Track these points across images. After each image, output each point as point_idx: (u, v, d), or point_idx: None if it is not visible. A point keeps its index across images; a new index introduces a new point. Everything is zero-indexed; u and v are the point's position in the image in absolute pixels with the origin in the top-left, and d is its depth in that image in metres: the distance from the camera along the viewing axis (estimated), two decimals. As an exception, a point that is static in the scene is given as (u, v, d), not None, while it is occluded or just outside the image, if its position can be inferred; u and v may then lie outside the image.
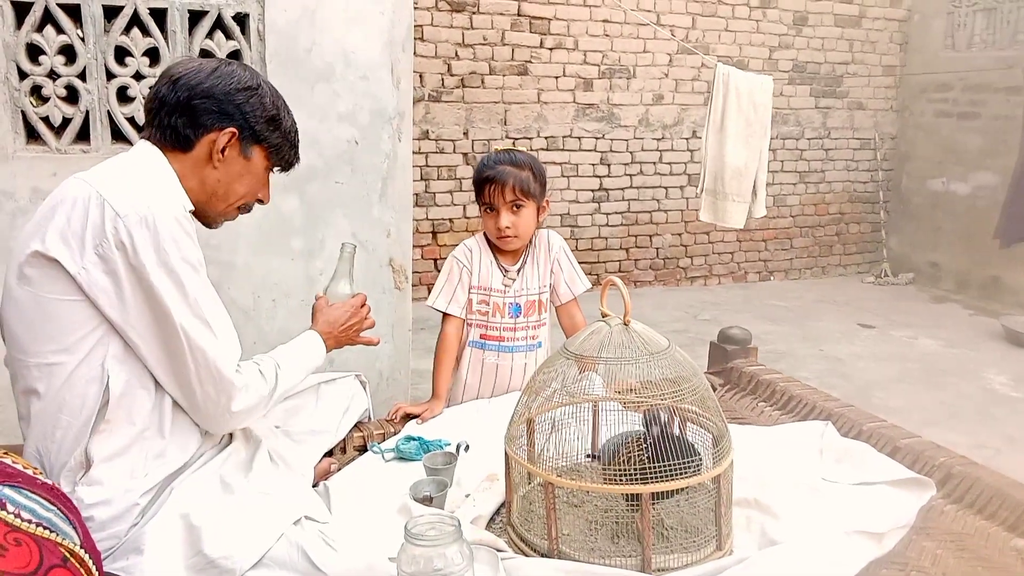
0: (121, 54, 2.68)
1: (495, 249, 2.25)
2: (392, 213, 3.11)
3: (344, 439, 1.93)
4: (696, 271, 6.86)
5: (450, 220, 5.83)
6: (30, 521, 1.15)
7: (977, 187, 6.53)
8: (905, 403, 4.35)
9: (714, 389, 2.31)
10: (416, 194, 5.66)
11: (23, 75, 2.58)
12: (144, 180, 1.42)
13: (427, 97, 5.59)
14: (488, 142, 5.78)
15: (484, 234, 2.30)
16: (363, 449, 1.91)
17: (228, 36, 2.79)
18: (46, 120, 2.63)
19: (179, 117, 1.47)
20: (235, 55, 2.81)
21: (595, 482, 1.42)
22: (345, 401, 1.94)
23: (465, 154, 5.78)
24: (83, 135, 2.71)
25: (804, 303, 6.49)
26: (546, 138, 5.98)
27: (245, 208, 1.64)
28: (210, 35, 2.76)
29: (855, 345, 5.40)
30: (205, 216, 1.57)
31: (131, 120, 2.73)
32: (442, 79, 5.61)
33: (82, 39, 2.62)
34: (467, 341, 2.24)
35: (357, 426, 1.98)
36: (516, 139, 5.88)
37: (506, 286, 2.23)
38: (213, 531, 1.30)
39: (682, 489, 1.40)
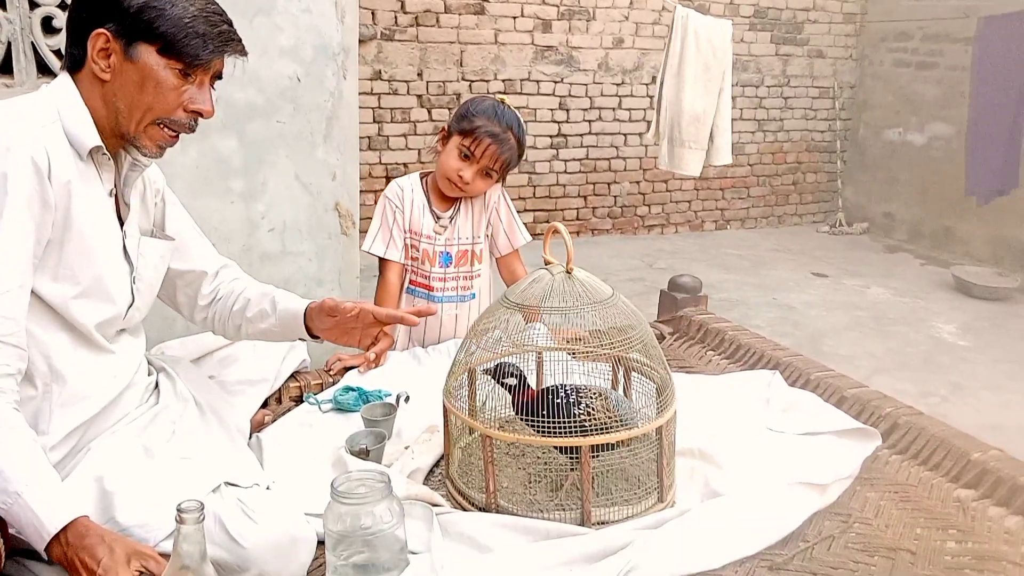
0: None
1: (431, 191, 2.17)
2: (337, 155, 2.99)
3: (280, 389, 1.85)
4: (654, 220, 6.83)
5: (404, 164, 5.69)
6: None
7: (933, 137, 6.55)
8: (855, 351, 4.39)
9: (663, 338, 2.27)
10: (368, 137, 5.51)
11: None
12: (10, 111, 1.28)
13: (379, 35, 5.41)
14: (444, 84, 5.63)
15: (420, 176, 2.21)
16: (300, 400, 1.85)
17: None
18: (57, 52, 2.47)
19: (68, 34, 1.34)
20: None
21: (533, 435, 1.37)
22: (283, 349, 1.86)
23: (419, 96, 5.62)
24: (6, 68, 2.54)
25: (759, 252, 6.50)
26: (503, 81, 5.84)
27: (179, 126, 1.38)
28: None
29: (808, 294, 5.44)
30: (129, 141, 1.38)
31: (57, 52, 2.56)
32: (395, 17, 5.42)
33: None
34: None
35: (294, 376, 1.91)
36: (473, 81, 5.73)
37: (437, 233, 2.15)
38: (127, 497, 1.22)
39: (623, 441, 1.35)
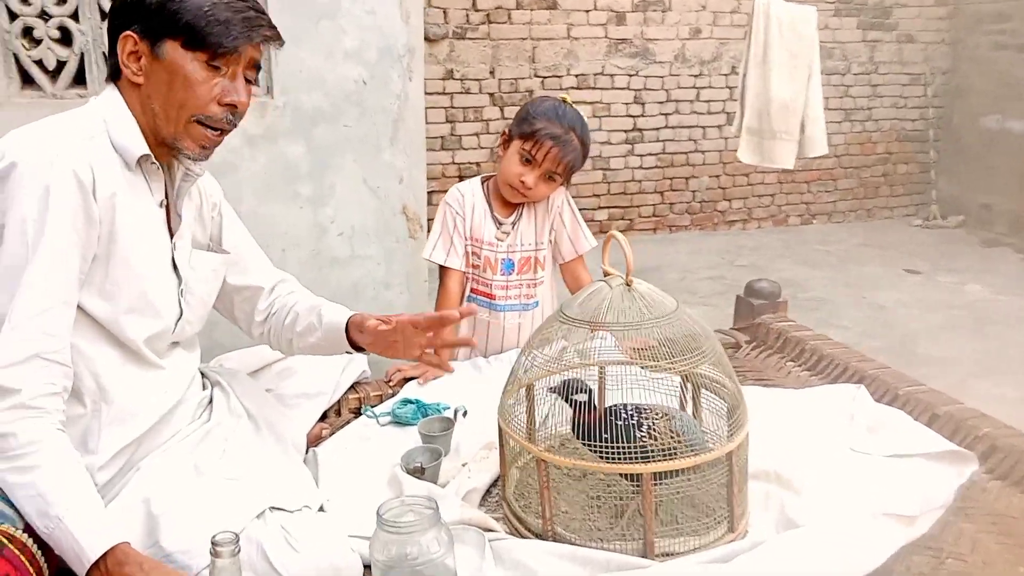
0: (108, -8, 2.54)
1: (492, 196, 2.10)
2: (404, 157, 2.96)
3: (339, 401, 1.82)
4: (735, 214, 6.62)
5: (477, 164, 5.66)
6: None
7: (1036, 124, 6.16)
8: (950, 353, 4.14)
9: (739, 347, 2.15)
10: (441, 137, 5.49)
11: (13, 16, 2.46)
12: (56, 125, 1.28)
13: (451, 34, 5.38)
14: (516, 81, 5.57)
15: (482, 180, 2.14)
16: (359, 412, 1.81)
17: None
18: (40, 64, 2.51)
19: (108, 44, 1.32)
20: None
21: (591, 460, 1.29)
22: (342, 361, 1.82)
23: (492, 94, 5.58)
24: (80, 79, 2.60)
25: (847, 247, 6.23)
26: (576, 76, 5.74)
27: (216, 122, 1.32)
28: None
29: (899, 292, 5.17)
30: (171, 146, 1.34)
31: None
32: (467, 15, 5.38)
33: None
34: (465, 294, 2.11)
35: (354, 387, 1.87)
36: (545, 77, 5.65)
37: (499, 240, 2.08)
38: (171, 522, 1.20)
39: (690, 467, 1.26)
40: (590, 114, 5.85)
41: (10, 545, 1.06)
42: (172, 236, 1.42)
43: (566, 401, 1.33)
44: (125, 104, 1.32)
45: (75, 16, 2.51)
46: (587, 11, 5.64)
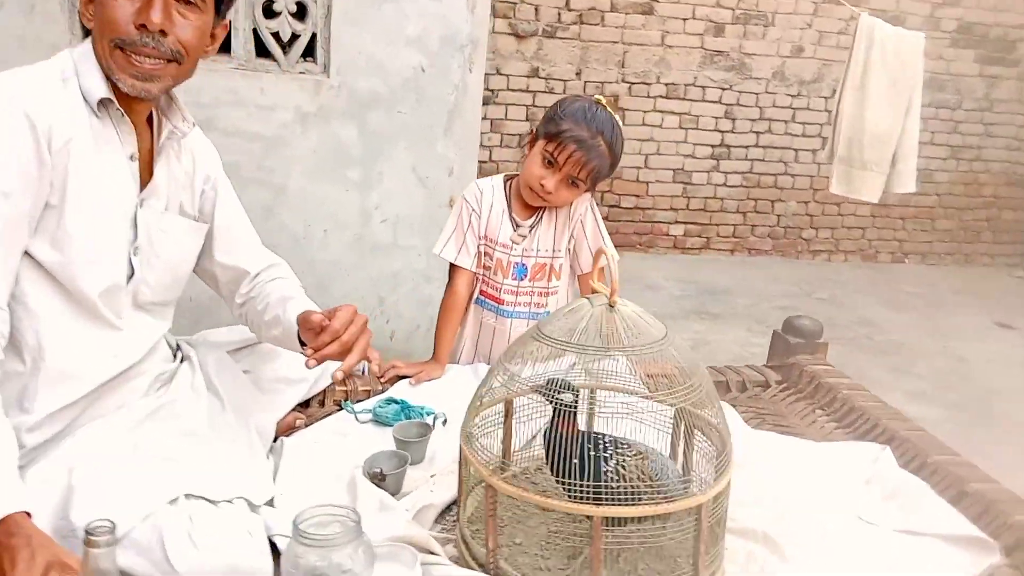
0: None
1: (514, 196, 1.99)
2: (457, 149, 2.90)
3: (324, 391, 1.75)
4: (820, 244, 6.32)
5: (554, 164, 5.55)
6: None
7: None
8: (1031, 420, 3.81)
9: (767, 386, 1.99)
10: (519, 135, 5.41)
11: None
12: (30, 70, 1.27)
13: (541, 32, 5.29)
14: (602, 84, 5.44)
15: (505, 179, 2.04)
16: (349, 403, 1.74)
17: (297, -53, 2.62)
18: (276, 36, 2.63)
19: None
20: (301, -35, 2.63)
21: (539, 493, 1.18)
22: (333, 347, 1.75)
23: (577, 96, 5.45)
24: (225, 48, 2.63)
25: (938, 292, 5.85)
26: (666, 84, 5.57)
27: (134, 46, 1.26)
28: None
29: (987, 345, 4.81)
30: (113, 82, 1.30)
31: (275, 35, 2.65)
32: (559, 13, 5.28)
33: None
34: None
35: (344, 379, 1.80)
36: (633, 83, 5.50)
37: (514, 242, 1.97)
38: (86, 496, 1.15)
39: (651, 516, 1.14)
40: (676, 124, 5.67)
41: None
42: (141, 192, 1.38)
43: (549, 400, 1.22)
44: (94, 52, 1.30)
45: None
46: (684, 19, 5.46)
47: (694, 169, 5.87)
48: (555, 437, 1.18)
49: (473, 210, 1.97)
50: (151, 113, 1.40)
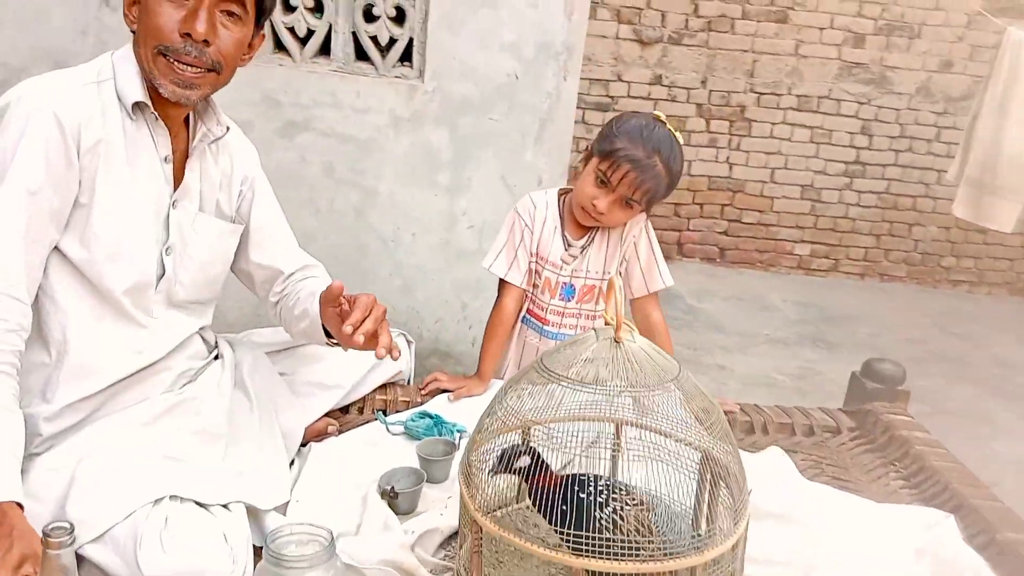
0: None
1: (567, 213, 1.92)
2: (546, 159, 2.85)
3: (364, 399, 1.75)
4: (962, 274, 5.84)
5: (672, 175, 5.40)
6: None
7: None
8: None
9: (838, 432, 1.83)
10: (639, 143, 5.28)
11: None
12: (67, 71, 1.32)
13: (666, 39, 5.14)
14: (728, 94, 5.23)
15: (559, 194, 1.96)
16: (383, 412, 1.73)
17: (399, -49, 2.63)
18: (292, 31, 2.66)
19: None
20: (402, -28, 2.65)
21: (520, 536, 1.11)
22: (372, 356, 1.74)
23: (699, 105, 5.28)
24: (326, 49, 2.71)
25: (1095, 336, 5.29)
26: (798, 96, 5.29)
27: (178, 54, 1.30)
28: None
29: None
30: (156, 88, 1.34)
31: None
32: (686, 20, 5.12)
33: (330, -50, 2.58)
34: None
35: (385, 387, 1.79)
36: (762, 94, 5.27)
37: (564, 262, 1.88)
38: (84, 489, 1.18)
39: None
40: (807, 139, 5.39)
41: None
42: (174, 193, 1.42)
43: (509, 472, 1.15)
44: (134, 56, 1.34)
45: None
46: (821, 29, 5.17)
47: (824, 186, 5.56)
48: (535, 489, 1.12)
49: (526, 225, 1.91)
50: (188, 115, 1.44)
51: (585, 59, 5.17)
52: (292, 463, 1.54)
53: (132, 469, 1.23)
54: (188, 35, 1.29)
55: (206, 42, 1.30)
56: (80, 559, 1.14)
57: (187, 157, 1.44)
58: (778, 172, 5.50)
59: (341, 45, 2.71)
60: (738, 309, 4.99)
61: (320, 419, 1.64)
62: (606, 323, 1.17)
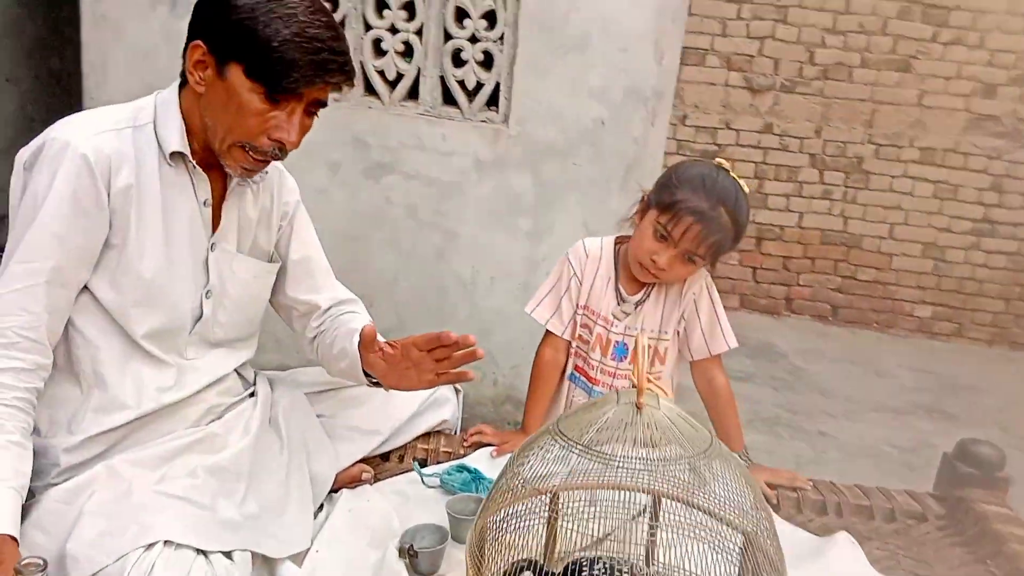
0: (381, 6, 2.67)
1: (623, 264, 1.81)
2: (632, 205, 2.76)
3: (406, 446, 1.69)
4: (1106, 346, 5.31)
5: (780, 228, 5.18)
6: None
7: None
8: None
9: (924, 520, 1.64)
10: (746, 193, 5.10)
11: (368, 27, 2.66)
12: (103, 112, 1.32)
13: (778, 86, 4.97)
14: (844, 144, 5.00)
15: (616, 242, 1.85)
16: (423, 463, 1.67)
17: (487, -6, 2.64)
18: (382, 74, 2.72)
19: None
20: (490, 15, 2.65)
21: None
22: (415, 405, 1.69)
23: (812, 155, 5.06)
24: (414, 93, 2.75)
25: None
26: (920, 149, 4.99)
27: (260, 153, 1.31)
28: (471, -8, 2.63)
29: None
30: (223, 162, 1.34)
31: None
32: (800, 68, 4.93)
33: (423, -5, 2.63)
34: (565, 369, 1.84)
35: (428, 436, 1.73)
36: (881, 146, 5.00)
37: (616, 317, 1.77)
38: (86, 524, 1.17)
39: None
40: (930, 194, 5.06)
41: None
42: (213, 236, 1.41)
43: None
44: (178, 103, 1.33)
45: (419, 33, 2.65)
46: (947, 79, 4.88)
47: (949, 244, 5.20)
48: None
49: (574, 274, 1.82)
50: None
51: (692, 106, 5.08)
52: (322, 508, 1.50)
53: (133, 509, 1.21)
54: (278, 141, 1.29)
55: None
56: None
57: (224, 199, 1.43)
58: (897, 228, 5.19)
59: (429, 89, 2.73)
60: (848, 372, 4.68)
61: (354, 465, 1.60)
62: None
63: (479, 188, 2.80)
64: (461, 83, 2.71)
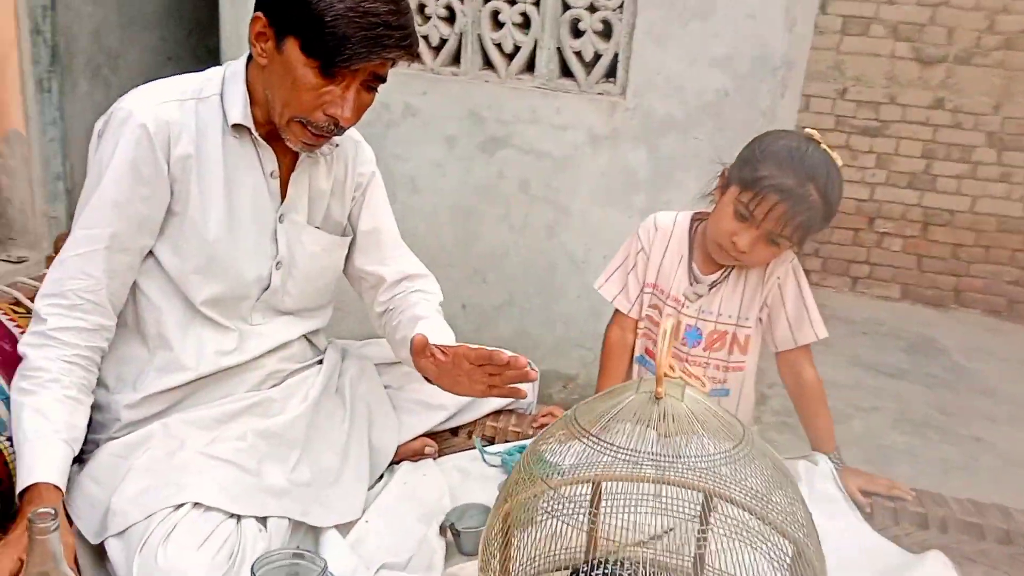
0: (498, -23, 2.63)
1: (698, 241, 1.66)
2: (757, 184, 2.58)
3: (475, 422, 1.66)
4: None
5: (950, 212, 4.72)
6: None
7: None
8: None
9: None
10: (911, 173, 4.70)
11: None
12: (170, 83, 1.33)
13: (951, 58, 4.51)
14: (1025, 121, 4.48)
15: (694, 218, 1.71)
16: (491, 441, 1.63)
17: (607, -36, 2.54)
18: (425, 39, 2.73)
19: None
20: (609, -17, 2.55)
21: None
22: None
23: (990, 133, 4.56)
24: (457, 58, 2.76)
25: None
26: (1121, 127, 4.40)
27: (317, 128, 1.30)
28: (591, -37, 2.54)
29: None
30: (283, 135, 1.34)
31: (498, 46, 2.69)
32: (979, 38, 4.45)
33: (464, -41, 2.63)
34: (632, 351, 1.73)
35: (500, 414, 1.68)
36: (1073, 123, 4.44)
37: (687, 299, 1.63)
38: (131, 480, 1.21)
39: None
40: None
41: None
42: (281, 207, 1.41)
43: None
44: (244, 76, 1.34)
45: (537, 3, 2.60)
46: None
47: None
48: None
49: (641, 248, 1.70)
50: None
51: (853, 79, 4.71)
52: (381, 478, 1.50)
53: (176, 468, 1.24)
54: (332, 116, 1.28)
55: None
56: (103, 553, 1.18)
57: (292, 170, 1.44)
58: (1090, 216, 4.61)
59: (545, 61, 2.67)
60: (1019, 373, 4.22)
61: (417, 439, 1.58)
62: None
63: (593, 163, 2.71)
64: (578, 54, 2.63)
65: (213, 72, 1.39)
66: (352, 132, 1.50)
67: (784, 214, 1.48)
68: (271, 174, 1.40)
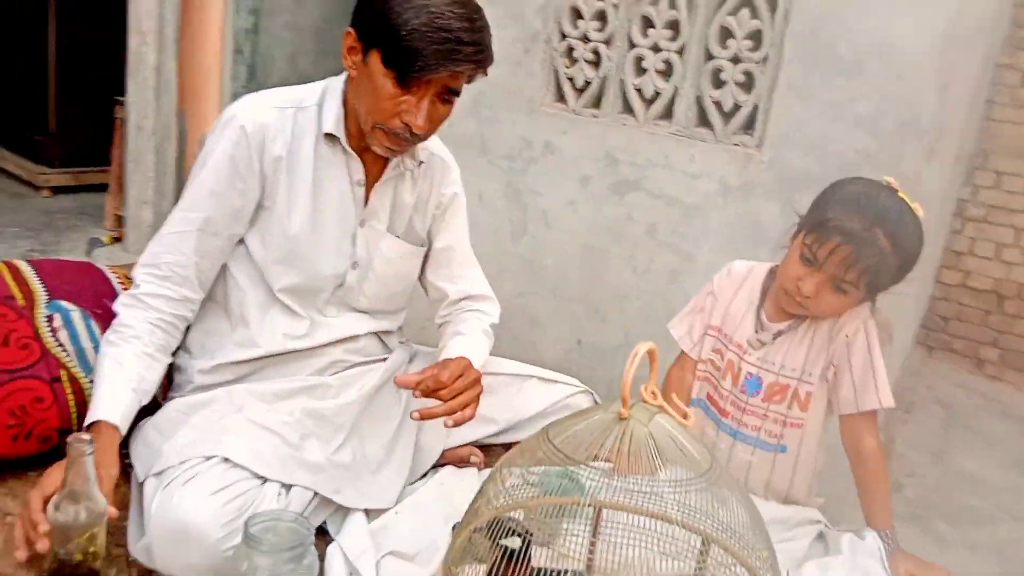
0: (647, 24, 2.68)
1: (769, 293, 1.58)
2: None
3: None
4: None
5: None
6: (56, 337, 1.36)
7: None
8: None
9: None
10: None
11: (563, 36, 2.80)
12: (279, 91, 1.48)
13: None
14: None
15: (771, 270, 1.67)
16: (541, 462, 1.64)
17: (754, 14, 2.53)
18: (571, 80, 2.82)
19: None
20: (756, 35, 2.54)
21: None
22: (544, 404, 1.67)
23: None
24: (599, 100, 2.82)
25: None
26: None
27: (392, 135, 1.39)
28: (735, 11, 2.55)
29: None
30: (369, 141, 1.45)
31: (639, 91, 2.73)
32: None
33: (615, 6, 2.71)
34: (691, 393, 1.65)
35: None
36: None
37: (751, 346, 1.54)
38: (185, 432, 1.32)
39: None
40: None
41: (64, 381, 1.35)
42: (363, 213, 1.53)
43: (492, 542, 1.01)
44: (342, 90, 1.47)
45: (608, 42, 2.72)
46: None
47: None
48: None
49: (712, 291, 1.65)
50: None
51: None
52: (425, 476, 1.55)
53: (222, 428, 1.36)
54: (407, 124, 1.39)
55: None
56: (142, 491, 1.31)
57: (378, 181, 1.55)
58: None
59: (684, 109, 2.68)
60: None
61: (464, 446, 1.62)
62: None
63: (722, 213, 2.67)
64: (717, 104, 2.62)
65: (316, 85, 1.54)
66: (445, 154, 1.61)
67: (847, 257, 1.42)
68: (357, 182, 1.52)
